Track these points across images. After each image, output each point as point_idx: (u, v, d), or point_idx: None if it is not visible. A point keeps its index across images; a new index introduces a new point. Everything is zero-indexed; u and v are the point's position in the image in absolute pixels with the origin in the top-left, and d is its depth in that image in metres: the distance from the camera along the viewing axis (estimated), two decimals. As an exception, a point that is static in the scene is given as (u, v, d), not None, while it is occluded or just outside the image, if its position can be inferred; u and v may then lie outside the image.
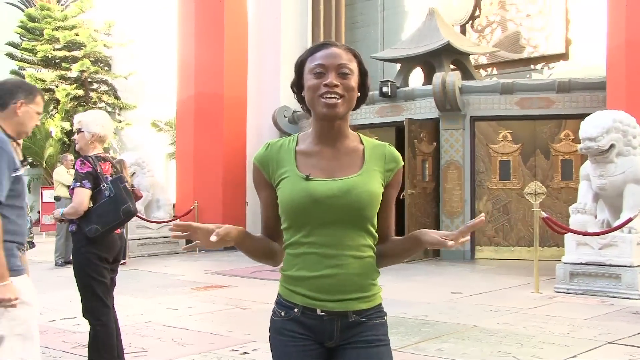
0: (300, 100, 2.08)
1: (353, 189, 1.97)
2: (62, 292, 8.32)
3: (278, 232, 2.09)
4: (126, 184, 4.33)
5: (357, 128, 13.03)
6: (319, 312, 1.98)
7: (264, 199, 2.10)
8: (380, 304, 2.07)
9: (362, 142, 2.09)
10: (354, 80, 2.01)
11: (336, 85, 1.97)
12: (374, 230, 2.04)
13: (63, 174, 11.60)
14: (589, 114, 8.46)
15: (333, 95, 1.96)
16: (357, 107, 2.07)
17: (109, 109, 21.17)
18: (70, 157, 12.24)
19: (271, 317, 2.08)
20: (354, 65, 2.03)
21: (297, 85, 2.08)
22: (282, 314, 2.03)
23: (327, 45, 2.04)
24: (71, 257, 4.50)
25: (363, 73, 2.06)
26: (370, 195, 1.99)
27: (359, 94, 2.05)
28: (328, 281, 1.96)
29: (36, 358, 3.07)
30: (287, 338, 2.01)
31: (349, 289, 1.97)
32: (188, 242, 1.93)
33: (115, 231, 4.34)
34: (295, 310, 2.00)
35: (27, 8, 23.25)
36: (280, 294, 2.06)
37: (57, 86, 21.30)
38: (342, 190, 1.97)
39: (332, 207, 1.95)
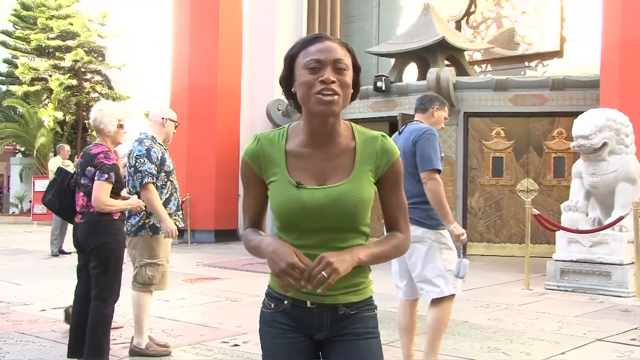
0: (289, 95, 2.00)
1: (343, 197, 1.93)
2: (54, 281, 8.32)
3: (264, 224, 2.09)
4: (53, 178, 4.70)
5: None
6: (308, 304, 1.97)
7: (254, 193, 2.06)
8: (371, 297, 2.05)
9: (354, 138, 2.01)
10: (349, 76, 1.94)
11: (333, 82, 1.89)
12: (366, 229, 2.01)
13: (58, 164, 11.52)
14: (583, 112, 8.47)
15: (330, 92, 1.88)
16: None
17: (103, 99, 21.09)
18: (67, 147, 12.18)
19: (261, 309, 2.07)
20: (349, 61, 1.95)
21: (287, 80, 1.98)
22: (272, 305, 2.02)
23: (320, 39, 1.94)
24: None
25: (357, 69, 1.99)
26: (361, 202, 1.95)
27: (352, 91, 1.97)
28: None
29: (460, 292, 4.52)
30: (277, 330, 2.00)
31: (340, 285, 1.94)
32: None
33: (75, 219, 4.57)
34: (285, 302, 1.99)
35: (21, -4, 23.10)
36: (271, 286, 2.04)
37: (50, 75, 21.20)
38: (331, 199, 1.93)
39: (322, 215, 1.93)
